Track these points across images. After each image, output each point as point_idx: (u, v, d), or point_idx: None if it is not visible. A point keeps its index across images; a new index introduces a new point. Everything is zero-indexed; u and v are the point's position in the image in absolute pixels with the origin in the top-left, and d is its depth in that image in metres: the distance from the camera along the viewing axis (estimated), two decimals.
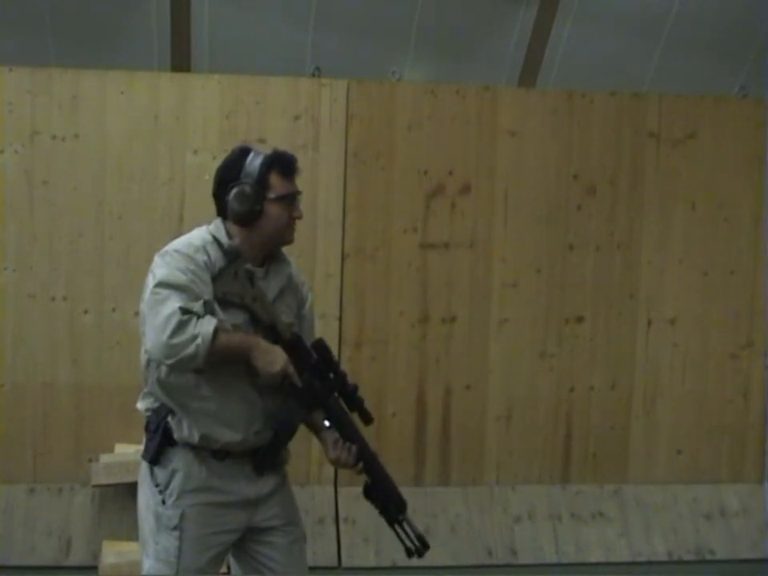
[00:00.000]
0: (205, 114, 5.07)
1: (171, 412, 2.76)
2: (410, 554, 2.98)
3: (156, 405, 2.80)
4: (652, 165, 5.41)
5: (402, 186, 5.21)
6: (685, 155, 5.43)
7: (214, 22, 5.18)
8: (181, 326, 2.58)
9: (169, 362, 2.62)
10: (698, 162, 5.44)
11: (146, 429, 2.83)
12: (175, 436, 2.76)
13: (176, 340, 2.58)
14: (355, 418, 2.90)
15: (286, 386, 2.76)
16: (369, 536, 5.07)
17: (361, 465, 2.90)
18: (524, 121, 5.31)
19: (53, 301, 5.01)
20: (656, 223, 5.43)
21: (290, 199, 2.83)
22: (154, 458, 2.78)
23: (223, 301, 2.71)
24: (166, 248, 2.77)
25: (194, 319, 2.60)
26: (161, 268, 2.70)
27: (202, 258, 2.73)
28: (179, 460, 2.77)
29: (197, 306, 2.63)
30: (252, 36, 5.20)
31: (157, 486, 2.79)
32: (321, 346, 2.87)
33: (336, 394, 2.88)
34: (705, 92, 5.49)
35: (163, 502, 2.77)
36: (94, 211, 5.03)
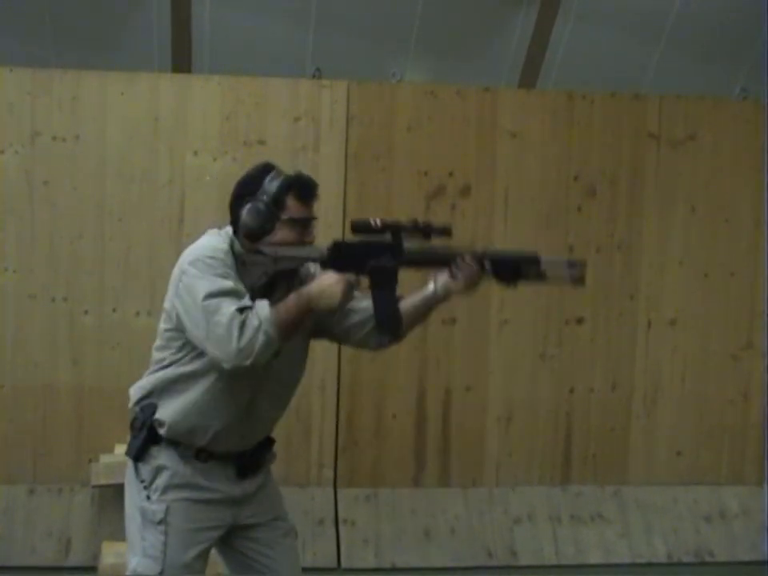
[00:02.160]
0: (205, 116, 5.07)
1: (159, 407, 2.80)
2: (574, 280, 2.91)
3: (146, 402, 2.83)
4: (652, 166, 5.41)
5: (403, 187, 5.21)
6: (685, 156, 5.43)
7: (215, 24, 5.18)
8: (243, 326, 2.58)
9: (248, 362, 2.61)
10: (699, 164, 5.44)
11: (132, 426, 2.86)
12: (161, 431, 2.79)
13: (244, 341, 2.58)
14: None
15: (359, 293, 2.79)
16: (368, 537, 5.07)
17: (487, 262, 2.83)
18: (524, 122, 5.31)
19: (53, 302, 5.02)
20: (656, 224, 5.42)
21: (304, 223, 2.80)
22: (138, 454, 2.81)
23: (256, 294, 2.71)
24: (196, 255, 2.74)
25: (250, 313, 2.61)
26: (200, 279, 2.67)
27: (230, 261, 2.74)
28: (164, 457, 2.80)
29: (247, 301, 2.64)
30: (252, 37, 5.21)
31: (142, 482, 2.82)
32: (354, 229, 2.79)
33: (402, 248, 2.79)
34: (705, 93, 5.49)
35: (148, 498, 2.80)
36: (95, 212, 5.03)
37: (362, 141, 5.18)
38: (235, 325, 2.58)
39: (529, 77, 5.50)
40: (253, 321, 2.59)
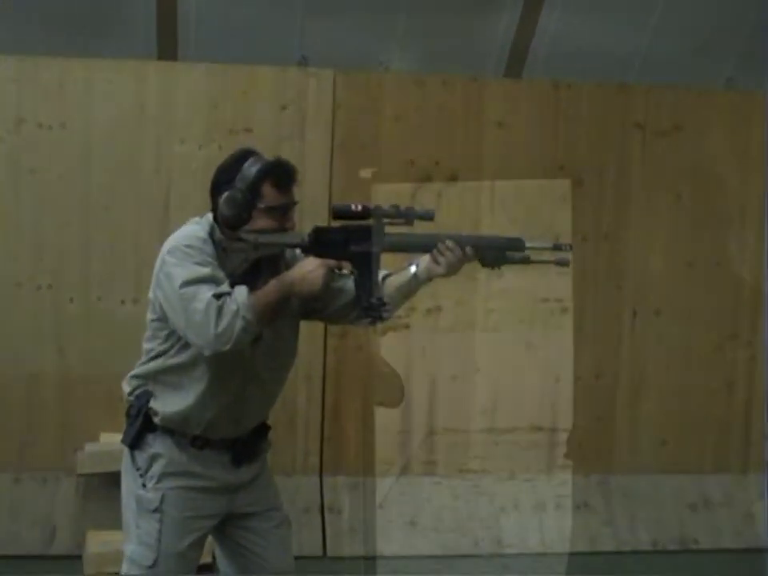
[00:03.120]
0: (191, 104, 5.05)
1: (153, 396, 2.81)
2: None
3: (140, 390, 2.84)
4: (638, 156, 5.42)
5: (389, 176, 5.20)
6: (671, 147, 5.44)
7: (201, 11, 5.15)
8: (220, 311, 2.58)
9: (227, 347, 2.61)
10: (684, 154, 5.45)
11: (127, 414, 2.87)
12: (155, 420, 2.80)
13: (221, 326, 2.58)
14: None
15: (342, 277, 2.83)
16: (354, 526, 5.09)
17: (468, 248, 2.87)
18: (511, 112, 5.31)
19: (38, 290, 5.00)
20: (642, 214, 5.44)
21: (282, 210, 2.79)
22: (133, 442, 2.82)
23: (237, 281, 2.70)
24: (174, 244, 2.74)
25: (228, 298, 2.61)
26: (177, 267, 2.68)
27: (209, 249, 2.74)
28: (159, 445, 2.81)
29: (225, 287, 2.64)
30: (239, 25, 5.18)
31: (137, 469, 2.83)
32: (335, 215, 2.79)
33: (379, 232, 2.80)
34: (692, 83, 5.50)
35: (144, 486, 2.81)
36: (80, 200, 5.01)
37: (349, 129, 5.18)
38: (212, 311, 2.58)
39: (515, 66, 5.49)
40: (230, 306, 2.59)
